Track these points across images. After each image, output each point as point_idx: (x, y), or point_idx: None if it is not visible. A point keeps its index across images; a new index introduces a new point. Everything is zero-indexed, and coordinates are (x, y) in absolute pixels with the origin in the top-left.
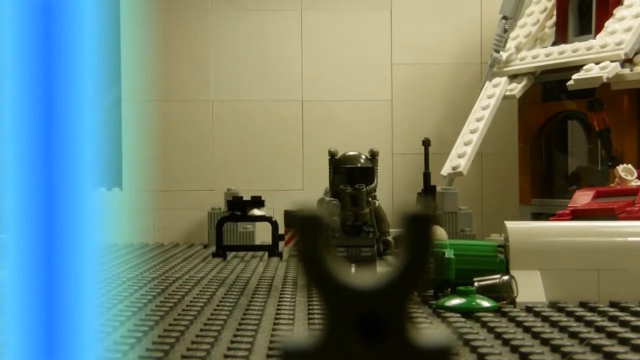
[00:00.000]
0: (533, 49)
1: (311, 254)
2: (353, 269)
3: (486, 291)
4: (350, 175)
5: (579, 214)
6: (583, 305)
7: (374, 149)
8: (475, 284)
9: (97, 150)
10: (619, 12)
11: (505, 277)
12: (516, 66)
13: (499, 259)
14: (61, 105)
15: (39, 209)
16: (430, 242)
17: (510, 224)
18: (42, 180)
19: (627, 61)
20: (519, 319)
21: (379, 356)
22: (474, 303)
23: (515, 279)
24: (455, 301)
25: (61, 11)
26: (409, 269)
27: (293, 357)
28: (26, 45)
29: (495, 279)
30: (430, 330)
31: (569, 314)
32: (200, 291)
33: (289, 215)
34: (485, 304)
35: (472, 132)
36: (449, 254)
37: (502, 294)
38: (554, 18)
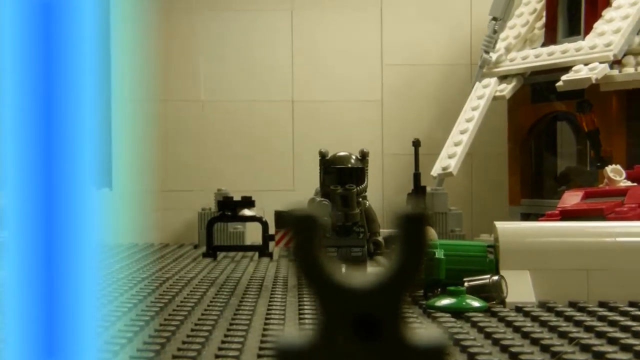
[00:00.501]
0: (522, 50)
1: (305, 254)
2: (343, 269)
3: (476, 291)
4: (341, 176)
5: (568, 215)
6: (572, 305)
7: (365, 150)
8: (465, 284)
9: (97, 149)
10: (607, 13)
11: (495, 277)
12: (506, 67)
13: (489, 259)
14: (61, 105)
15: (38, 208)
16: (424, 243)
17: (500, 224)
18: (42, 180)
19: (616, 62)
20: (509, 318)
21: (373, 356)
22: (464, 303)
23: (505, 279)
24: (446, 301)
25: (61, 11)
26: (403, 269)
27: (287, 357)
28: (26, 45)
29: (485, 279)
30: (423, 330)
31: (559, 313)
32: (191, 291)
33: (279, 216)
34: (475, 304)
35: (462, 132)
36: (439, 254)
37: (492, 294)
38: (544, 19)
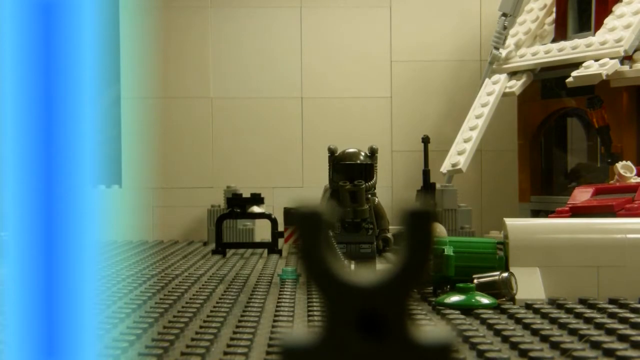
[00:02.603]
0: (532, 46)
1: (312, 251)
2: (352, 266)
3: (486, 288)
4: (350, 172)
5: (578, 211)
6: (582, 302)
7: (374, 146)
8: (475, 281)
9: (97, 148)
10: (618, 9)
11: (505, 274)
12: (515, 63)
13: (499, 256)
14: (61, 104)
15: (38, 207)
16: (431, 239)
17: (509, 221)
18: (42, 178)
19: (627, 58)
20: (519, 315)
21: (379, 353)
22: (473, 300)
23: (515, 276)
24: (455, 298)
25: (61, 11)
26: (410, 266)
27: (293, 355)
28: (26, 45)
29: (495, 276)
30: (430, 327)
31: (569, 310)
32: (200, 288)
33: (288, 213)
34: (485, 300)
35: (472, 129)
36: (448, 250)
37: (502, 291)
38: (554, 15)
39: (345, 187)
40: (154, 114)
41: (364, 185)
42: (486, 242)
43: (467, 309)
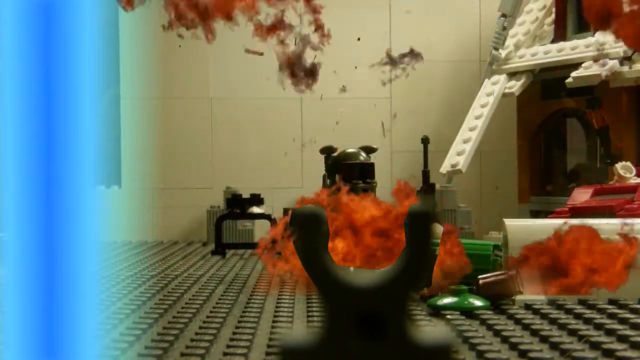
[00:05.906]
0: (532, 46)
1: (311, 252)
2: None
3: (492, 287)
4: (352, 171)
5: (577, 212)
6: (582, 302)
7: (372, 146)
8: (480, 281)
9: (97, 148)
10: None
11: (512, 272)
12: (515, 64)
13: (493, 259)
14: (61, 104)
15: (38, 208)
16: (429, 240)
17: (509, 222)
18: (41, 179)
19: (626, 59)
20: (518, 316)
21: (379, 354)
22: (466, 302)
23: (521, 275)
24: (447, 300)
25: (61, 11)
26: (409, 267)
27: (293, 355)
28: (26, 45)
29: (502, 274)
30: (429, 328)
31: (568, 311)
32: (199, 289)
33: (288, 213)
34: (478, 302)
35: (471, 129)
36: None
37: (510, 290)
38: (553, 16)
39: (358, 185)
40: (154, 114)
41: (376, 184)
42: (482, 244)
43: (459, 311)
